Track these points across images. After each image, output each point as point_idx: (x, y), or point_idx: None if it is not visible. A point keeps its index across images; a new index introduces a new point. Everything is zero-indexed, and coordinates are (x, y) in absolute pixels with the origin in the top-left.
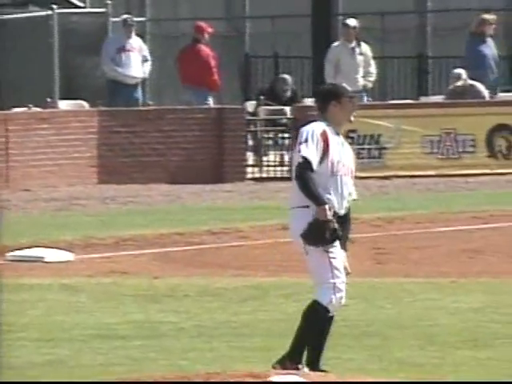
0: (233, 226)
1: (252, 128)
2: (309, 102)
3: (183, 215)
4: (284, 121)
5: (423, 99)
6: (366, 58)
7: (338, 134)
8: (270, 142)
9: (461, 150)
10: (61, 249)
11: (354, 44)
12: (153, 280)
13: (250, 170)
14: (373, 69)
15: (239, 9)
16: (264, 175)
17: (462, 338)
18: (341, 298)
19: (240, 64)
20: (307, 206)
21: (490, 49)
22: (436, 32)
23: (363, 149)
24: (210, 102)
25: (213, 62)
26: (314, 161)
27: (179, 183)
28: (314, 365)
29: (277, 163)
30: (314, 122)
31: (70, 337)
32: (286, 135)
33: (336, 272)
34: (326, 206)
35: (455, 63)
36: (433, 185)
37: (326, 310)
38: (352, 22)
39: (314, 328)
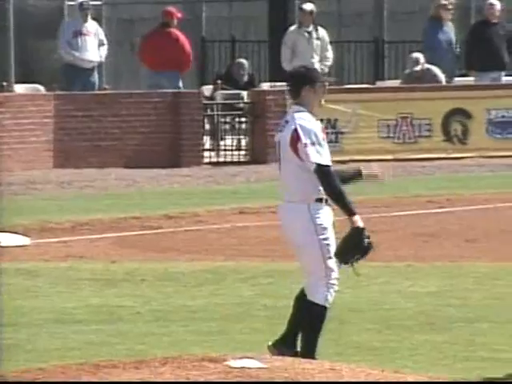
0: (190, 211)
1: (209, 112)
2: (266, 86)
3: (140, 200)
4: (241, 105)
5: (379, 84)
6: (322, 43)
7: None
8: (227, 127)
9: (417, 134)
10: (17, 233)
11: (310, 28)
12: (110, 264)
13: (206, 154)
14: (329, 53)
15: None
16: (221, 159)
17: (419, 322)
18: (334, 291)
19: (196, 48)
20: (307, 203)
21: (448, 33)
22: (392, 16)
23: None
24: (181, 85)
25: (188, 45)
26: (330, 161)
27: (136, 167)
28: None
29: (234, 147)
30: (302, 113)
31: (28, 321)
32: (243, 119)
33: (330, 270)
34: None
35: (412, 48)
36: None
37: (324, 308)
38: (309, 6)
39: (317, 326)
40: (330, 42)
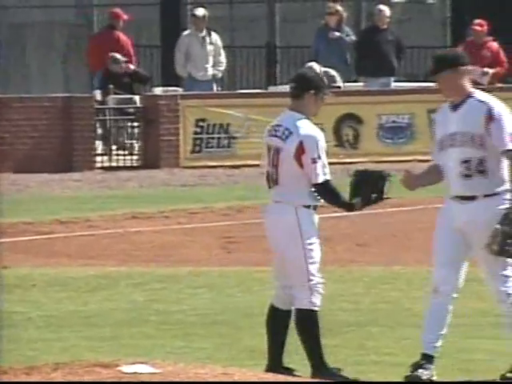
0: (82, 216)
1: (101, 117)
2: (158, 91)
3: (32, 204)
4: (133, 110)
5: (272, 89)
6: (215, 48)
7: None
8: (120, 131)
9: None
10: None
11: (204, 33)
12: (1, 270)
13: (99, 158)
14: (222, 58)
15: None
16: (113, 164)
17: None
18: (319, 293)
19: (89, 52)
20: (295, 206)
21: (339, 39)
22: (284, 22)
23: (212, 138)
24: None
25: (131, 48)
26: (330, 176)
27: (27, 172)
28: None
29: (126, 152)
30: (303, 121)
31: None
32: (136, 124)
33: (312, 275)
34: (356, 204)
35: (303, 53)
36: None
37: (312, 311)
38: (201, 11)
39: (313, 331)
40: (223, 47)
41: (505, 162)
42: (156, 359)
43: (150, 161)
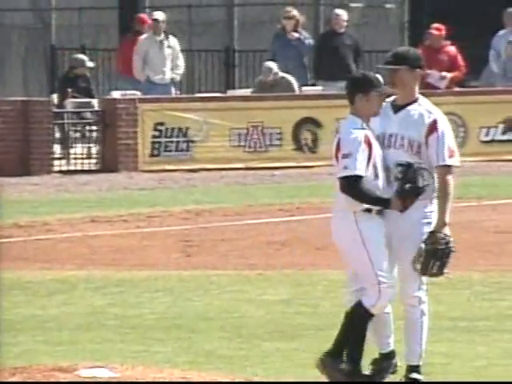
0: (40, 220)
1: (59, 121)
2: (116, 94)
3: None
4: (91, 113)
5: (230, 92)
6: (174, 51)
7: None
8: (78, 135)
9: (268, 143)
10: None
11: (162, 37)
12: None
13: (57, 162)
14: (181, 62)
15: (45, 0)
16: (71, 168)
17: (269, 330)
18: (386, 300)
19: (46, 56)
20: (353, 211)
21: (297, 43)
22: (243, 26)
23: (171, 142)
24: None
25: None
26: (364, 172)
27: None
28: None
29: (84, 156)
30: (351, 123)
31: None
32: (94, 128)
33: (381, 278)
34: (392, 198)
35: (262, 57)
36: (240, 178)
37: (368, 312)
38: (159, 15)
39: (359, 329)
40: (181, 51)
41: (436, 176)
42: (114, 363)
43: (108, 164)
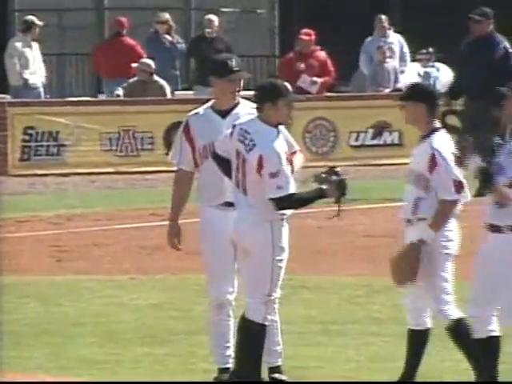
0: None
1: None
2: None
3: None
4: None
5: (101, 97)
6: (37, 55)
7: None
8: None
9: (139, 147)
10: None
11: (30, 40)
12: None
13: None
14: (42, 66)
15: None
16: None
17: (141, 335)
18: (273, 310)
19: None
20: (270, 220)
21: (170, 46)
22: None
23: (41, 146)
24: (120, 91)
25: (141, 51)
26: (294, 186)
27: None
28: None
29: None
30: (268, 134)
31: None
32: None
33: (273, 291)
34: (323, 187)
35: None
36: (112, 182)
37: (263, 326)
38: (35, 18)
39: (259, 345)
40: (52, 55)
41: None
42: None
43: None
